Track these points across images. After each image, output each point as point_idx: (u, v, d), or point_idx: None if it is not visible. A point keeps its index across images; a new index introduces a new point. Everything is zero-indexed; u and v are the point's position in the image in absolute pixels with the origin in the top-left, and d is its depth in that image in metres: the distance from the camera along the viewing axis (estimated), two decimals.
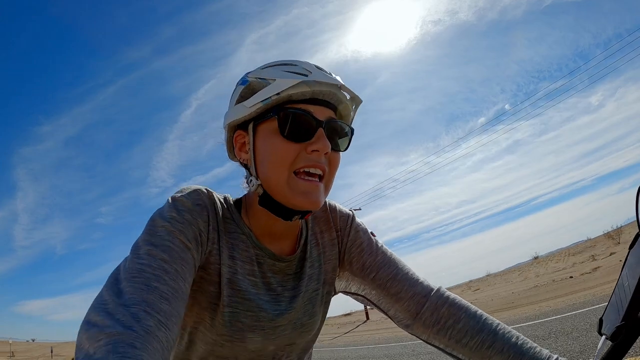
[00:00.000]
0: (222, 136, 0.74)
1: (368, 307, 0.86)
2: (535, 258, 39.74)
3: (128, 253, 0.56)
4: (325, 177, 0.66)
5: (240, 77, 0.69)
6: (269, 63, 0.68)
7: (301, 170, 0.63)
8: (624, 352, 0.55)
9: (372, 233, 0.83)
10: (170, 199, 0.63)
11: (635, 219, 0.60)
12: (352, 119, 0.71)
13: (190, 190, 0.65)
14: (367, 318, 26.17)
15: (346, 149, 0.69)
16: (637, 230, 0.59)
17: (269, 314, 0.68)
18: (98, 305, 0.47)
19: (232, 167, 0.75)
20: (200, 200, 0.64)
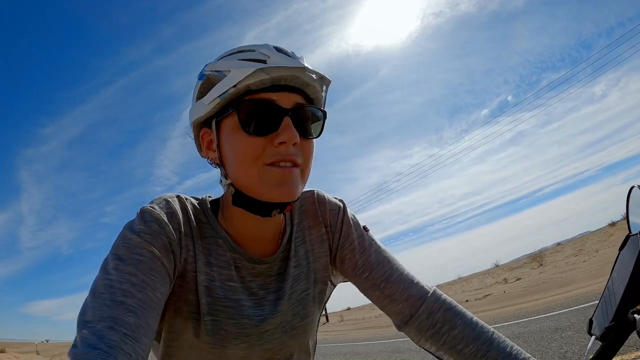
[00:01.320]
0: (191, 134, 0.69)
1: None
2: (497, 266, 39.30)
3: (116, 237, 0.57)
4: (300, 167, 0.61)
5: (199, 71, 0.65)
6: (226, 52, 0.63)
7: (271, 164, 0.59)
8: (614, 352, 0.56)
9: (364, 227, 0.77)
10: (138, 211, 0.61)
11: (626, 219, 0.60)
12: (325, 101, 0.65)
13: (159, 200, 0.64)
14: (327, 320, 27.66)
15: (319, 134, 0.64)
16: (628, 232, 0.59)
17: (252, 320, 0.66)
18: (77, 325, 0.48)
19: None
20: (169, 209, 0.62)
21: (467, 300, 15.92)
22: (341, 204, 0.78)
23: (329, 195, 0.78)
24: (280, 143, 0.58)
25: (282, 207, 0.62)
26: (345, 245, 0.75)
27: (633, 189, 0.60)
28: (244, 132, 0.58)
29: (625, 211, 0.60)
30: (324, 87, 0.64)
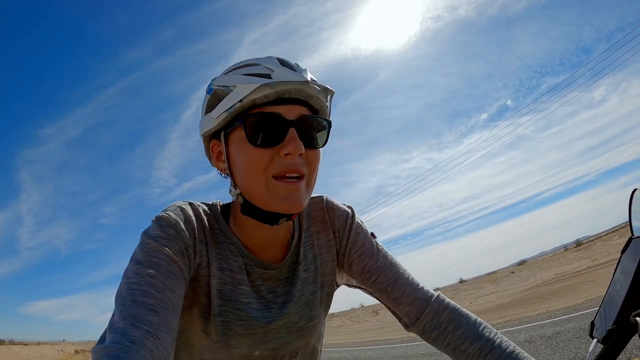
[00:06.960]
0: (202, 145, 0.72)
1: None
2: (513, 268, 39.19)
3: (135, 247, 0.60)
4: (305, 177, 0.63)
5: (208, 84, 0.67)
6: (231, 66, 0.66)
7: (278, 176, 0.61)
8: (616, 355, 0.56)
9: (372, 234, 0.80)
10: (154, 218, 0.63)
11: (628, 222, 0.60)
12: (330, 111, 0.68)
13: (174, 207, 0.66)
14: None
15: (324, 144, 0.66)
16: (630, 235, 0.59)
17: (260, 322, 0.69)
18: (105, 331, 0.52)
19: None
20: (184, 215, 0.65)
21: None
22: (350, 211, 0.80)
23: (338, 202, 0.80)
24: (286, 154, 0.60)
25: (288, 216, 0.65)
26: (353, 250, 0.78)
27: (635, 192, 0.60)
28: (250, 145, 0.60)
29: (628, 214, 0.60)
30: (328, 98, 0.66)
